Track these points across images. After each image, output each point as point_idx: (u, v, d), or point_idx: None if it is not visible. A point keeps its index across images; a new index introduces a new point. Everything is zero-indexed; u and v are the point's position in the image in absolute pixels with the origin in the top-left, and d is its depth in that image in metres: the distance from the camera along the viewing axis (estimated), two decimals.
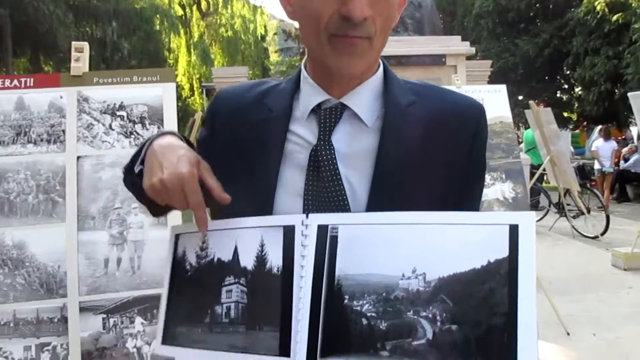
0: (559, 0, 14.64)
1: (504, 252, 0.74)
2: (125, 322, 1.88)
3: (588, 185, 7.77)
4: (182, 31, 23.00)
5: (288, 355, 0.80)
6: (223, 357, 0.85)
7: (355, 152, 0.93)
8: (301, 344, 0.81)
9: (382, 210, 0.84)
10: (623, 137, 16.86)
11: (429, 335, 0.74)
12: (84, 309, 1.86)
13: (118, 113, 2.04)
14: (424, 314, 0.75)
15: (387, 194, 0.90)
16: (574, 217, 7.11)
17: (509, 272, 0.73)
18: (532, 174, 6.60)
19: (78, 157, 1.96)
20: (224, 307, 0.87)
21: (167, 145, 0.88)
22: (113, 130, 2.01)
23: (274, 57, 30.96)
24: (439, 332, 0.73)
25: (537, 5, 15.37)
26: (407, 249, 0.79)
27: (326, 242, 0.82)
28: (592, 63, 12.57)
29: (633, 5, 10.67)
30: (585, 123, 16.75)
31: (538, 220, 5.98)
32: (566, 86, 16.88)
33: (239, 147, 0.96)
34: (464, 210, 0.93)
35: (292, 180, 0.92)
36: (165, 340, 0.92)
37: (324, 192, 0.90)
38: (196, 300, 0.91)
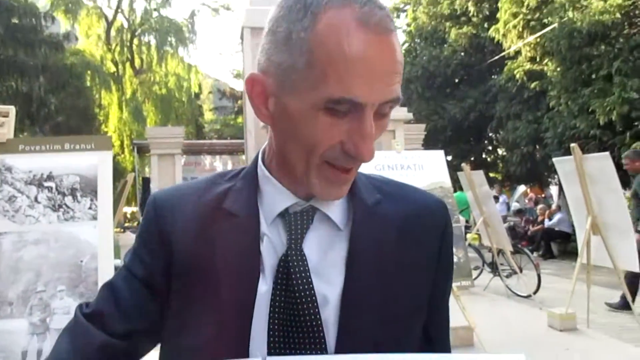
0: (482, 68, 15.61)
1: None
2: None
3: (519, 245, 8.03)
4: (114, 88, 22.64)
5: None
6: None
7: (327, 261, 0.82)
8: None
9: (355, 332, 0.77)
10: (543, 195, 17.86)
11: None
12: None
13: (45, 184, 1.86)
14: None
15: (358, 308, 0.79)
16: (507, 277, 7.27)
17: None
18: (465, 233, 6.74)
19: None
20: None
21: None
22: (39, 203, 1.83)
23: (208, 115, 30.92)
24: None
25: (462, 71, 16.31)
26: None
27: None
28: (514, 127, 13.31)
29: (548, 74, 11.51)
30: (509, 183, 17.60)
31: (474, 279, 6.03)
32: (491, 148, 17.78)
33: (204, 264, 0.80)
34: (439, 313, 0.90)
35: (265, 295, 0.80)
36: None
37: (295, 313, 0.77)
38: None
